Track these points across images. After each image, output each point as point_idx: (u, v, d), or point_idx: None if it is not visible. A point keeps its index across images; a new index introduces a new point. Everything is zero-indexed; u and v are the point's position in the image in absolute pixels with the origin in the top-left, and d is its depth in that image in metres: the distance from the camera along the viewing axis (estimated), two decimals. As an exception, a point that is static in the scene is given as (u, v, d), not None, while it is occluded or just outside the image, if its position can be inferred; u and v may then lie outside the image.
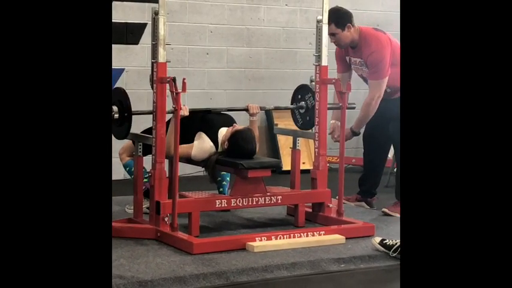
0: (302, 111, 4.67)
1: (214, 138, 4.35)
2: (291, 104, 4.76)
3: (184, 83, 3.88)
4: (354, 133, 4.85)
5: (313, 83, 4.55)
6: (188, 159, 4.37)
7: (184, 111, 4.12)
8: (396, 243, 3.80)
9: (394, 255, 3.78)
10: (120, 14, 5.47)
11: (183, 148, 4.18)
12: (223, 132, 4.34)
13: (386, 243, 3.85)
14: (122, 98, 4.05)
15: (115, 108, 4.03)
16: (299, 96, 4.70)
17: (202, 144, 4.32)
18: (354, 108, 4.73)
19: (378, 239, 3.91)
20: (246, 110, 4.55)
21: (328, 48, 4.46)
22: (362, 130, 4.97)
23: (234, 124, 4.39)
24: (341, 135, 4.45)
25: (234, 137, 4.24)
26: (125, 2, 5.30)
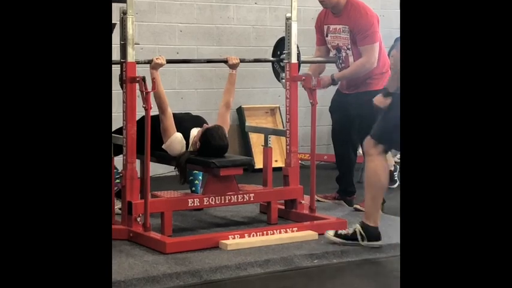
0: (283, 64, 4.61)
1: (185, 138, 4.34)
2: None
3: (154, 83, 3.87)
4: (333, 81, 4.70)
5: (283, 80, 4.57)
6: (160, 156, 4.34)
7: (162, 60, 4.15)
8: (354, 230, 3.89)
9: (364, 243, 3.84)
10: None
11: (171, 121, 4.21)
12: (194, 132, 4.34)
13: (341, 233, 3.92)
14: None
15: None
16: (278, 53, 4.68)
17: (180, 138, 4.29)
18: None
19: (331, 232, 3.95)
20: (225, 61, 4.52)
21: (297, 46, 4.48)
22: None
23: (204, 124, 4.38)
24: (311, 132, 4.44)
25: (205, 135, 4.24)
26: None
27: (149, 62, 4.16)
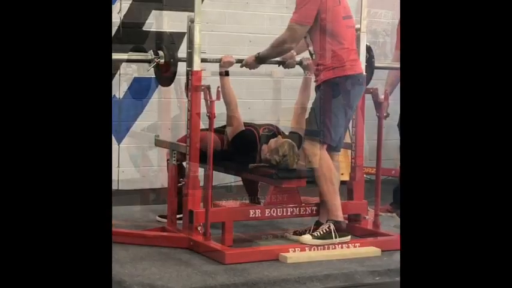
0: None
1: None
2: None
3: (218, 92, 3.87)
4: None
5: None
6: (226, 166, 4.34)
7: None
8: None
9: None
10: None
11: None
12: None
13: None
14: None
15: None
16: None
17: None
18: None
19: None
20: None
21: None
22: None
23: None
24: (377, 146, 4.35)
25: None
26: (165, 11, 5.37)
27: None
